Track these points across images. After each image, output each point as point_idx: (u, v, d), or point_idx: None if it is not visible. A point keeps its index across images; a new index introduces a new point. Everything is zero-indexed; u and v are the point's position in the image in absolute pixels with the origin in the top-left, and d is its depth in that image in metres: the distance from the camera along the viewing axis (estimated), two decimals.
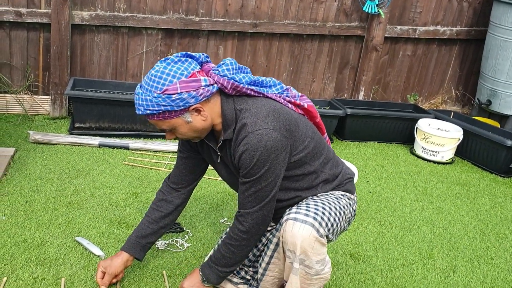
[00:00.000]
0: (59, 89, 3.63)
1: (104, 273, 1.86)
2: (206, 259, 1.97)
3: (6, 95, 3.62)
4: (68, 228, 2.27)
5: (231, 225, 2.03)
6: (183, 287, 1.86)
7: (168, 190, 1.95)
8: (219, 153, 1.72)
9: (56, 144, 3.22)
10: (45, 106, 3.74)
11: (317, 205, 1.63)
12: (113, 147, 3.32)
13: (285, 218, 1.60)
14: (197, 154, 1.88)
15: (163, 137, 3.66)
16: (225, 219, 2.58)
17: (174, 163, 3.18)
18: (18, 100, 3.66)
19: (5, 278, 1.85)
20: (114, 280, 1.90)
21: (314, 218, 1.56)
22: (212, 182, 3.00)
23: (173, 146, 3.44)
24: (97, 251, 2.10)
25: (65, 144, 3.24)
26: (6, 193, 2.49)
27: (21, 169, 2.80)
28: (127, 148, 3.34)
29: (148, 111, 1.53)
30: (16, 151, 3.02)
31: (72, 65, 3.69)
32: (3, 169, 2.71)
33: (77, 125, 3.49)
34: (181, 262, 2.14)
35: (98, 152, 3.21)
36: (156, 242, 2.24)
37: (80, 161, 3.03)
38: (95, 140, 3.31)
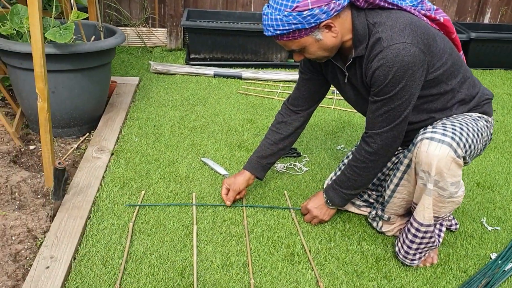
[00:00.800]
0: (175, 21, 3.74)
1: (228, 190, 1.96)
2: (329, 181, 1.98)
3: (127, 28, 3.82)
4: (193, 149, 2.40)
5: (349, 151, 2.01)
6: (307, 207, 1.90)
7: (287, 112, 1.95)
8: (346, 73, 1.67)
9: (175, 74, 3.37)
10: (162, 38, 3.89)
11: (454, 125, 1.53)
12: (227, 76, 3.40)
13: (419, 137, 1.53)
14: (320, 75, 1.83)
15: (274, 66, 3.67)
16: (342, 145, 2.56)
17: (286, 92, 3.22)
18: (137, 32, 3.84)
19: (143, 192, 2.03)
20: (238, 197, 1.99)
21: (452, 138, 1.48)
22: (326, 110, 2.97)
23: (284, 75, 3.43)
24: (221, 170, 2.21)
25: (183, 74, 3.38)
26: (136, 118, 2.68)
27: (147, 96, 2.98)
28: (240, 77, 3.40)
29: (278, 32, 1.49)
30: (140, 80, 3.21)
31: None
32: (131, 96, 2.90)
33: (192, 56, 3.61)
34: (300, 184, 2.18)
35: (214, 82, 3.31)
36: (275, 165, 2.30)
37: (198, 90, 3.15)
38: (210, 70, 3.40)
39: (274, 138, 1.95)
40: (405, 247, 1.67)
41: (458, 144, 1.48)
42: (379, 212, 1.83)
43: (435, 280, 1.66)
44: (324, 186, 1.95)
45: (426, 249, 1.66)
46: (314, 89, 1.88)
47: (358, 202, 1.95)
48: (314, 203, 1.88)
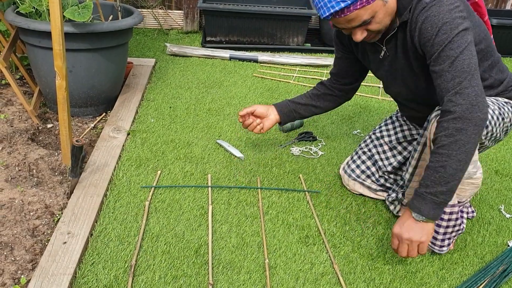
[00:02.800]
0: (191, 3, 3.72)
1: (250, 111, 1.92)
2: (345, 166, 1.95)
3: (143, 10, 3.81)
4: (209, 131, 2.40)
5: (366, 135, 1.98)
6: (394, 232, 1.51)
7: (330, 83, 1.97)
8: (384, 48, 1.61)
9: (191, 56, 3.36)
10: (178, 20, 3.88)
11: None
12: (242, 60, 3.38)
13: (434, 113, 1.50)
14: (350, 53, 1.82)
15: (290, 50, 3.64)
16: (358, 130, 2.53)
17: (302, 76, 3.19)
18: (153, 14, 3.83)
19: (159, 172, 2.03)
20: (256, 124, 1.91)
21: None
22: None
23: (300, 59, 3.40)
24: (237, 153, 2.21)
25: (199, 57, 3.37)
26: (152, 99, 2.68)
27: (162, 78, 2.98)
28: (256, 61, 3.38)
29: (349, 1, 1.37)
30: (156, 62, 3.21)
31: None
32: (147, 77, 2.90)
33: (208, 38, 3.59)
34: (316, 168, 2.17)
35: (229, 64, 3.30)
36: (291, 149, 2.29)
37: (214, 72, 3.14)
38: (226, 53, 3.39)
39: (311, 92, 1.98)
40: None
41: None
42: (399, 196, 1.80)
43: (451, 266, 1.65)
44: (374, 188, 1.92)
45: (453, 234, 1.63)
46: (346, 68, 1.89)
47: (374, 187, 1.93)
48: (399, 224, 1.50)
